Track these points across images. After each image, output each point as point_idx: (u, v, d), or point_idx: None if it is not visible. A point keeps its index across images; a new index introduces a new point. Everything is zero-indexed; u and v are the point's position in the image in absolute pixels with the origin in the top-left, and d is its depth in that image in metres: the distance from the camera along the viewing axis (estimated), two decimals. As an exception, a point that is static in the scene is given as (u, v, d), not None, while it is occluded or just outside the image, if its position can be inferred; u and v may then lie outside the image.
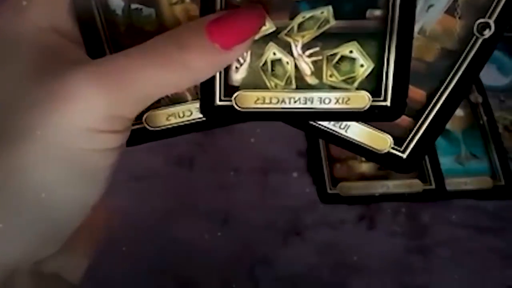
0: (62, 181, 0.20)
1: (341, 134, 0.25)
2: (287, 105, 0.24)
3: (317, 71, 0.23)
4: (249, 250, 0.40)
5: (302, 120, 0.24)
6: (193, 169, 0.42)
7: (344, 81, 0.23)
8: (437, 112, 0.24)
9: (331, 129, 0.25)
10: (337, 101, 0.23)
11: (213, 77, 0.23)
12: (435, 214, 0.42)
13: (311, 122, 0.25)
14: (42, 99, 0.19)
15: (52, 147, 0.19)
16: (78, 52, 0.22)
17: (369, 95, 0.23)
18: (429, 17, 0.23)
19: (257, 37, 0.23)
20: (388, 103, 0.23)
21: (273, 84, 0.24)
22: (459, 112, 0.45)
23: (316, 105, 0.23)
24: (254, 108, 0.24)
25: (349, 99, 0.23)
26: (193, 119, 0.24)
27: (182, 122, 0.24)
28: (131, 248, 0.38)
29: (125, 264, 0.38)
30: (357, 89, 0.23)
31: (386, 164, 0.25)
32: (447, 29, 0.23)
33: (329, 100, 0.23)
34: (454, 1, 0.23)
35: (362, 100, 0.23)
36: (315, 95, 0.23)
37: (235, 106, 0.24)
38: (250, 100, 0.24)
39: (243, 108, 0.24)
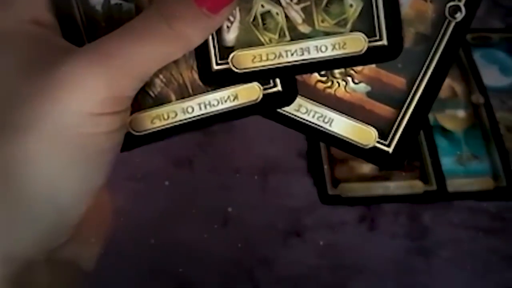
0: (66, 168, 0.20)
1: (325, 128, 0.24)
2: (285, 59, 0.23)
3: (308, 18, 0.23)
4: (249, 250, 0.40)
5: (302, 73, 0.24)
6: (193, 169, 0.42)
7: (337, 24, 0.23)
8: (418, 99, 0.24)
9: (314, 124, 0.24)
10: (334, 47, 0.23)
11: (206, 42, 0.23)
12: (436, 215, 0.41)
13: (294, 117, 0.24)
14: (40, 89, 0.19)
15: (55, 136, 0.19)
16: (65, 41, 0.22)
17: (364, 36, 0.23)
18: (401, 1, 0.23)
19: None
20: (385, 41, 0.23)
21: (267, 38, 0.23)
22: (460, 112, 0.45)
23: (314, 54, 0.23)
24: (252, 67, 0.23)
25: (345, 43, 0.23)
26: (179, 120, 0.24)
27: (167, 124, 0.24)
28: (131, 248, 0.38)
29: (125, 264, 0.38)
30: (351, 31, 0.23)
31: (372, 160, 0.24)
32: (420, 13, 0.23)
33: (325, 48, 0.23)
34: None
35: (358, 42, 0.23)
36: (311, 44, 0.23)
37: (233, 68, 0.23)
38: (246, 59, 0.23)
39: (241, 69, 0.23)
